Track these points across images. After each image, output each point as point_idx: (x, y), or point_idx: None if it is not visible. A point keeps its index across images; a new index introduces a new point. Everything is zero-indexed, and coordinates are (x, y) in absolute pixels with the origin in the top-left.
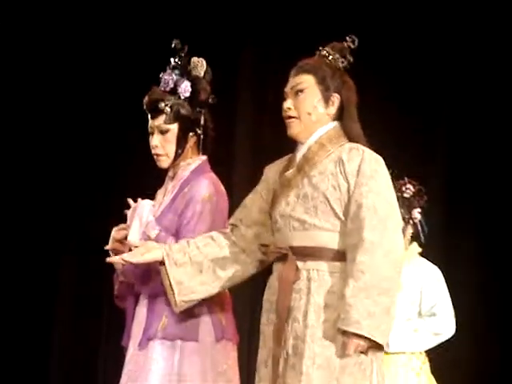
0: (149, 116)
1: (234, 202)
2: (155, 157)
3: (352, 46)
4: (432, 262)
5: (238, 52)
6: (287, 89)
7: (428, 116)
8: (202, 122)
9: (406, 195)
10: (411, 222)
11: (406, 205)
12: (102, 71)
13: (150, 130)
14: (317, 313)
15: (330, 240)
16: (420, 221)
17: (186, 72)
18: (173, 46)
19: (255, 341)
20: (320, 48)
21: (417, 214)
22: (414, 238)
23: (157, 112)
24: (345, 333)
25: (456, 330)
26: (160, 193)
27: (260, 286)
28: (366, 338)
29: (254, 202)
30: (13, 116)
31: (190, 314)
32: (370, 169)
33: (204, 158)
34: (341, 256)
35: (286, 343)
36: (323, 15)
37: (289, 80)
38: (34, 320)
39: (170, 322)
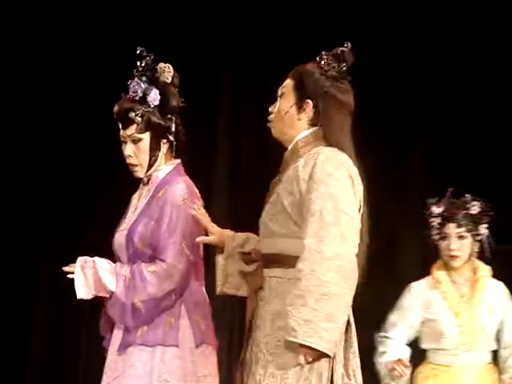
0: (120, 125)
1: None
2: (130, 167)
3: (346, 50)
4: None
5: (218, 68)
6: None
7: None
8: (174, 128)
9: (472, 211)
10: (477, 237)
11: (472, 221)
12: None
13: (122, 139)
14: (272, 321)
15: (289, 246)
16: (487, 236)
17: (153, 79)
18: (138, 52)
19: (235, 344)
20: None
21: (483, 229)
22: (480, 253)
23: (127, 122)
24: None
25: None
26: (135, 197)
27: None
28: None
29: None
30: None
31: (166, 320)
32: (323, 173)
33: (178, 161)
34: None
35: (252, 351)
36: (304, 30)
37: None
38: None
39: (150, 327)
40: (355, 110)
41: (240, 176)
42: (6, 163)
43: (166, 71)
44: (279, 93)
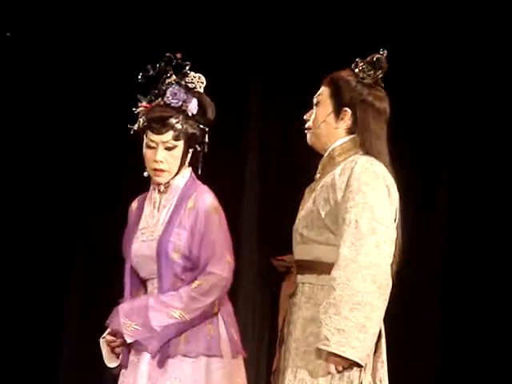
0: (151, 130)
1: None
2: (155, 172)
3: (382, 57)
4: None
5: (245, 77)
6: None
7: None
8: (206, 139)
9: None
10: None
11: None
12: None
13: (151, 144)
14: (303, 326)
15: (324, 253)
16: None
17: (190, 88)
18: (175, 60)
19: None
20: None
21: None
22: None
23: (165, 128)
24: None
25: None
26: (147, 206)
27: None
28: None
29: None
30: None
31: (208, 329)
32: (360, 182)
33: (190, 169)
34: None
35: (285, 356)
36: (330, 39)
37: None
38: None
39: (191, 337)
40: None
41: (270, 186)
42: (42, 165)
43: (199, 81)
44: (315, 101)
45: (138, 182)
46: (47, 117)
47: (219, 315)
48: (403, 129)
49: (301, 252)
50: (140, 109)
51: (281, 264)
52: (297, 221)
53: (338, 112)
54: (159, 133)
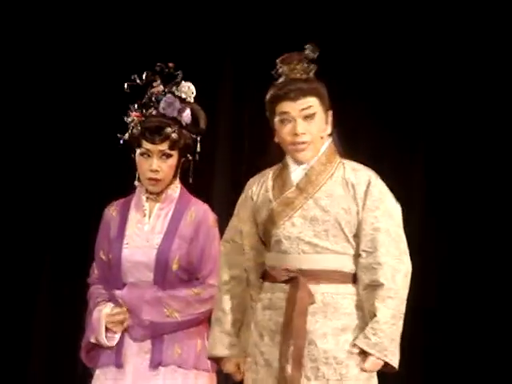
0: (147, 140)
1: None
2: (150, 181)
3: (314, 56)
4: None
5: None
6: (293, 112)
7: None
8: (198, 149)
9: None
10: None
11: None
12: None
13: (147, 153)
14: (336, 336)
15: (342, 263)
16: None
17: (183, 98)
18: (167, 70)
19: None
20: (292, 60)
21: None
22: None
23: (162, 137)
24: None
25: None
26: (134, 212)
27: None
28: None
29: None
30: None
31: (198, 343)
32: (379, 191)
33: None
34: (352, 278)
35: (304, 366)
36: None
37: (286, 102)
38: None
39: (184, 348)
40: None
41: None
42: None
43: (190, 91)
44: (306, 113)
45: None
46: (29, 122)
47: (207, 329)
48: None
49: (312, 262)
50: (132, 118)
51: (283, 274)
52: (289, 228)
53: (326, 117)
54: (156, 142)
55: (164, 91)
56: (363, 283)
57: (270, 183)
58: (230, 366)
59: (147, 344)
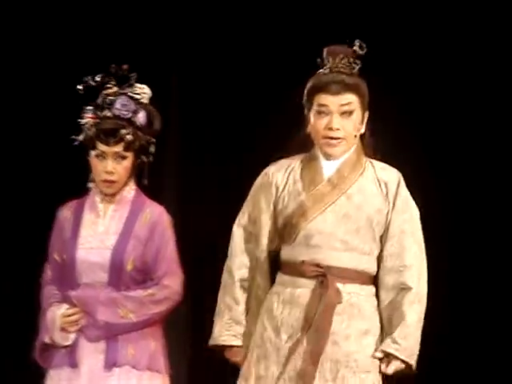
0: (102, 141)
1: None
2: (105, 183)
3: (361, 53)
4: None
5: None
6: (332, 106)
7: None
8: (153, 150)
9: None
10: None
11: None
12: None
13: (102, 155)
14: (358, 338)
15: (367, 263)
16: None
17: (137, 100)
18: (122, 71)
19: None
20: (343, 55)
21: None
22: None
23: (116, 139)
24: (389, 354)
25: None
26: (87, 213)
27: None
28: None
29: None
30: None
31: (151, 344)
32: (406, 193)
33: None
34: (372, 280)
35: (323, 366)
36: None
37: (326, 94)
38: None
39: (137, 349)
40: None
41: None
42: None
43: (145, 93)
44: (344, 109)
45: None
46: None
47: (160, 329)
48: None
49: (342, 259)
50: (87, 120)
51: (313, 269)
52: (321, 222)
53: (362, 117)
54: (111, 144)
55: (118, 93)
56: (387, 285)
57: (297, 174)
58: (239, 356)
59: (102, 344)
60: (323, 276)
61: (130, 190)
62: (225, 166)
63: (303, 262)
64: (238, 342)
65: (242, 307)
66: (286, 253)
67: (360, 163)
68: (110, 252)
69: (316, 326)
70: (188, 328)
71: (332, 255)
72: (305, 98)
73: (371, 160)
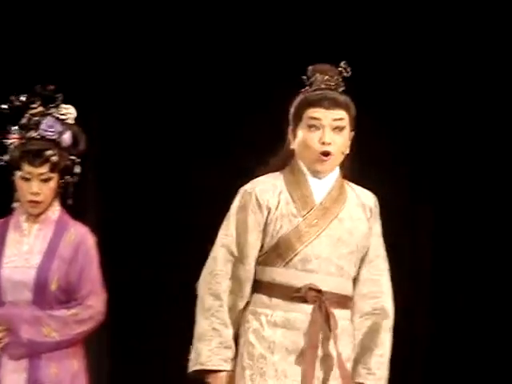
0: (28, 163)
1: None
2: (31, 203)
3: (346, 74)
4: None
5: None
6: (325, 120)
7: None
8: (78, 171)
9: None
10: None
11: None
12: None
13: (27, 176)
14: (342, 365)
15: (351, 288)
16: None
17: (63, 120)
18: (46, 92)
19: None
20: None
21: None
22: None
23: (41, 160)
24: None
25: None
26: (12, 232)
27: None
28: None
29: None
30: None
31: (74, 364)
32: (379, 215)
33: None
34: (351, 304)
35: None
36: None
37: (319, 108)
38: None
39: (61, 368)
40: None
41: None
42: None
43: (70, 113)
44: (336, 125)
45: None
46: None
47: (83, 350)
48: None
49: (336, 285)
50: (12, 140)
51: (314, 295)
52: (318, 246)
53: (349, 137)
54: (36, 165)
55: (44, 113)
56: (362, 311)
57: (288, 194)
58: (225, 381)
59: (24, 362)
60: (319, 301)
61: (55, 210)
62: (148, 187)
63: (294, 286)
64: (228, 367)
65: (231, 331)
66: (275, 276)
67: (343, 185)
68: (35, 271)
69: (323, 353)
70: (107, 349)
71: (328, 280)
72: (293, 112)
73: (347, 182)
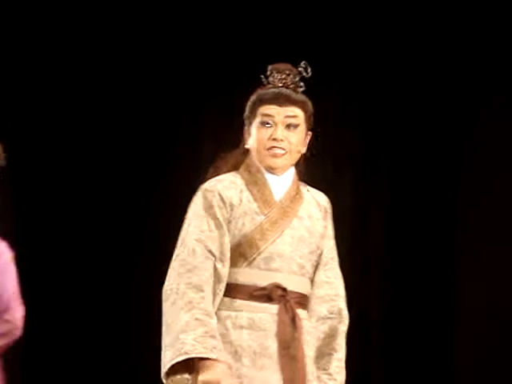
0: None
1: None
2: None
3: (306, 75)
4: None
5: None
6: (278, 116)
7: None
8: None
9: None
10: None
11: None
12: None
13: None
14: (309, 366)
15: (310, 288)
16: None
17: None
18: None
19: None
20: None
21: None
22: None
23: None
24: None
25: None
26: None
27: None
28: None
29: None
30: None
31: None
32: (332, 217)
33: None
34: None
35: None
36: None
37: (272, 105)
38: None
39: None
40: None
41: None
42: None
43: None
44: (289, 122)
45: None
46: None
47: (1, 362)
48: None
49: (298, 284)
50: None
51: (280, 293)
52: (281, 245)
53: (306, 136)
54: None
55: None
56: (319, 314)
57: (248, 192)
58: (218, 370)
59: None
60: (286, 300)
61: None
62: (64, 200)
63: (259, 285)
64: (214, 356)
65: (215, 321)
66: (238, 276)
67: (299, 185)
68: None
69: (292, 354)
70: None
71: (291, 279)
72: (248, 110)
73: (301, 182)
